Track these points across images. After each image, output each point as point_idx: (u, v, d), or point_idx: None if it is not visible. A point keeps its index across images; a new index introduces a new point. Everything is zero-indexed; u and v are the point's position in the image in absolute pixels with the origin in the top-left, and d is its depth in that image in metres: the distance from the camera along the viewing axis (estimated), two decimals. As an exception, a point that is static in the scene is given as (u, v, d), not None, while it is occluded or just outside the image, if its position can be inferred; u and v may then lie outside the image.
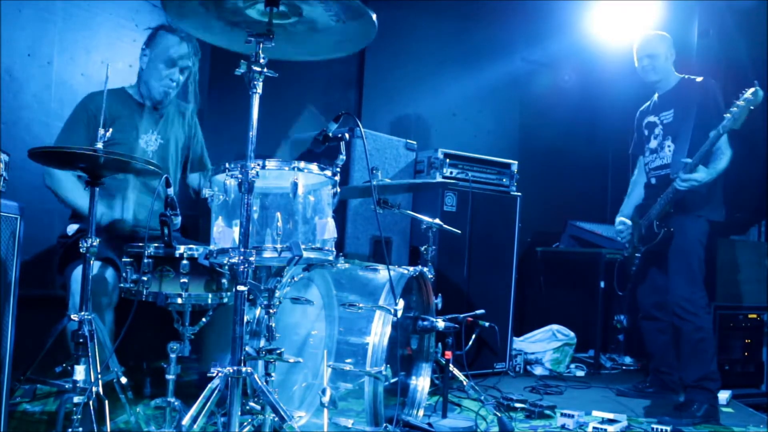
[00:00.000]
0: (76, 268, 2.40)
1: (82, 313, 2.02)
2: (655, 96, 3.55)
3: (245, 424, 1.87)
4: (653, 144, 3.51)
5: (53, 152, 2.04)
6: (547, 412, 3.04)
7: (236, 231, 1.83)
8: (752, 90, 2.95)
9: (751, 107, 2.96)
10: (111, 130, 2.11)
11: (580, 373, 4.32)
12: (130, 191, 2.68)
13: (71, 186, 2.58)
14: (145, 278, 2.17)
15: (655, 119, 3.51)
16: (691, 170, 3.08)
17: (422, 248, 3.05)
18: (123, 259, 2.27)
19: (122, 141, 2.64)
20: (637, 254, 3.53)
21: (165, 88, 2.75)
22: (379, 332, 2.30)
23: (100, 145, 2.01)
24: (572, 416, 2.87)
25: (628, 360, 4.76)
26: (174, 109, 2.92)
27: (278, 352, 1.89)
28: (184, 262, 2.17)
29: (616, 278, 3.88)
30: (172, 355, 2.16)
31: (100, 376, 1.99)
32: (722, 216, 3.31)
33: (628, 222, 3.58)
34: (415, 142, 4.09)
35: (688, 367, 3.20)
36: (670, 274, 3.29)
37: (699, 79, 3.35)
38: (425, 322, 2.75)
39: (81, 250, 2.02)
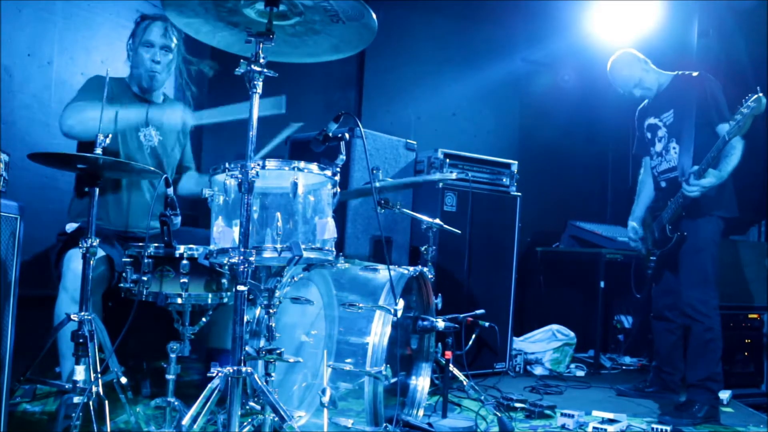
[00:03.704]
0: (72, 249, 2.41)
1: (82, 313, 2.02)
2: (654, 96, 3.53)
3: (245, 424, 1.87)
4: (658, 147, 3.47)
5: (53, 154, 2.05)
6: (547, 412, 3.04)
7: (236, 231, 1.83)
8: (755, 97, 2.90)
9: (756, 114, 2.92)
10: (110, 135, 2.11)
11: (580, 373, 4.32)
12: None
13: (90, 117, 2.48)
14: (145, 278, 2.17)
15: (657, 121, 3.47)
16: (699, 176, 3.04)
17: (422, 248, 3.05)
18: (123, 259, 2.27)
19: (125, 131, 2.64)
20: (652, 257, 3.51)
21: (149, 72, 2.74)
22: (379, 332, 2.30)
23: (99, 151, 2.01)
24: (572, 416, 2.87)
25: (628, 360, 4.76)
26: (171, 107, 2.91)
27: (278, 352, 1.89)
28: (184, 262, 2.17)
29: (633, 280, 3.87)
30: (172, 355, 2.16)
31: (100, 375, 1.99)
32: (735, 212, 3.26)
33: (639, 229, 3.55)
34: (415, 142, 4.09)
35: (693, 367, 3.19)
36: (682, 274, 3.26)
37: (695, 74, 3.31)
38: (425, 322, 2.75)
39: (81, 251, 2.03)
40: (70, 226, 2.63)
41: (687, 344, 3.27)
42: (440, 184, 3.81)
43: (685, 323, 3.26)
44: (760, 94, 2.90)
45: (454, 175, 3.27)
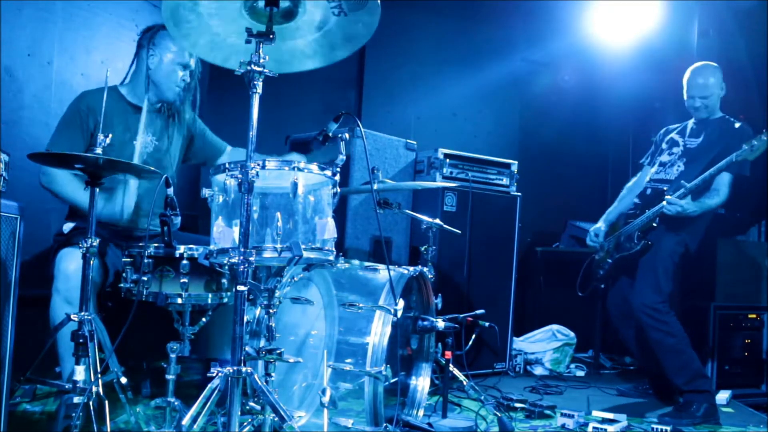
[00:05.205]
0: (63, 249, 2.41)
1: (83, 313, 2.02)
2: (691, 122, 3.49)
3: (245, 424, 1.87)
4: (665, 158, 3.47)
5: (53, 154, 2.04)
6: (547, 412, 3.04)
7: (236, 231, 1.83)
8: (762, 137, 2.99)
9: (758, 153, 3.01)
10: (111, 135, 2.10)
11: (580, 373, 4.32)
12: (132, 187, 2.69)
13: (68, 182, 2.55)
14: (145, 278, 2.17)
15: (680, 139, 3.47)
16: (684, 196, 3.10)
17: (422, 248, 3.05)
18: (123, 259, 2.27)
19: (115, 142, 2.61)
20: (608, 260, 3.53)
21: (179, 89, 2.75)
22: (379, 332, 2.30)
23: (99, 151, 2.01)
24: (572, 416, 2.87)
25: (628, 360, 4.76)
26: (168, 110, 2.91)
27: (278, 352, 1.89)
28: (184, 262, 2.16)
29: (580, 278, 3.87)
30: (172, 355, 2.16)
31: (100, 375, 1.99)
32: (695, 247, 3.30)
33: (602, 233, 3.57)
34: (415, 142, 4.09)
35: (676, 374, 3.19)
36: (637, 280, 3.30)
37: (738, 124, 3.31)
38: (425, 322, 2.75)
39: (80, 251, 2.03)
40: (67, 226, 2.62)
41: (657, 354, 3.24)
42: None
43: (646, 331, 3.22)
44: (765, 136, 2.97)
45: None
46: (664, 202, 3.13)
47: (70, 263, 2.34)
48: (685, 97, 3.47)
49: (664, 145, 3.56)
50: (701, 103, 3.40)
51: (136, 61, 2.75)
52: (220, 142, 3.06)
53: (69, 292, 2.30)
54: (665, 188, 3.28)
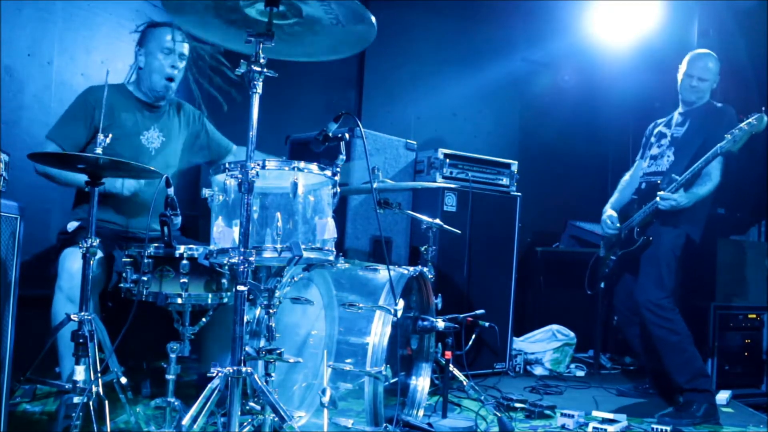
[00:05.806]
0: (68, 248, 2.42)
1: (82, 313, 2.02)
2: (676, 112, 3.51)
3: (245, 424, 1.87)
4: (655, 151, 3.50)
5: (54, 154, 2.04)
6: (547, 412, 3.04)
7: (236, 231, 1.83)
8: (757, 116, 2.95)
9: (753, 132, 2.97)
10: (111, 135, 2.10)
11: (580, 373, 4.32)
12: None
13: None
14: (145, 278, 2.17)
15: (666, 131, 3.49)
16: (676, 189, 3.11)
17: (422, 248, 3.05)
18: (123, 260, 2.27)
19: (123, 136, 2.63)
20: (612, 257, 3.54)
21: (168, 75, 2.73)
22: (379, 332, 2.30)
23: (99, 151, 2.01)
24: (572, 416, 2.87)
25: (628, 360, 4.76)
26: (176, 107, 2.92)
27: (278, 352, 1.89)
28: (184, 262, 2.16)
29: (587, 277, 3.86)
30: (172, 355, 2.16)
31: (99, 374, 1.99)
32: (698, 236, 3.30)
33: (616, 219, 3.53)
34: (415, 142, 4.09)
35: (677, 372, 3.19)
36: (640, 276, 3.31)
37: (719, 105, 3.34)
38: (425, 322, 2.75)
39: (81, 251, 2.03)
40: (71, 225, 2.63)
41: (659, 351, 3.23)
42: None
43: (648, 328, 3.23)
44: (762, 113, 2.94)
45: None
46: (658, 198, 3.14)
47: (74, 262, 2.34)
48: (679, 78, 3.47)
49: (653, 139, 3.59)
50: (698, 83, 3.40)
51: (136, 62, 2.78)
52: (226, 142, 3.08)
53: (72, 291, 2.31)
54: (658, 181, 3.28)
